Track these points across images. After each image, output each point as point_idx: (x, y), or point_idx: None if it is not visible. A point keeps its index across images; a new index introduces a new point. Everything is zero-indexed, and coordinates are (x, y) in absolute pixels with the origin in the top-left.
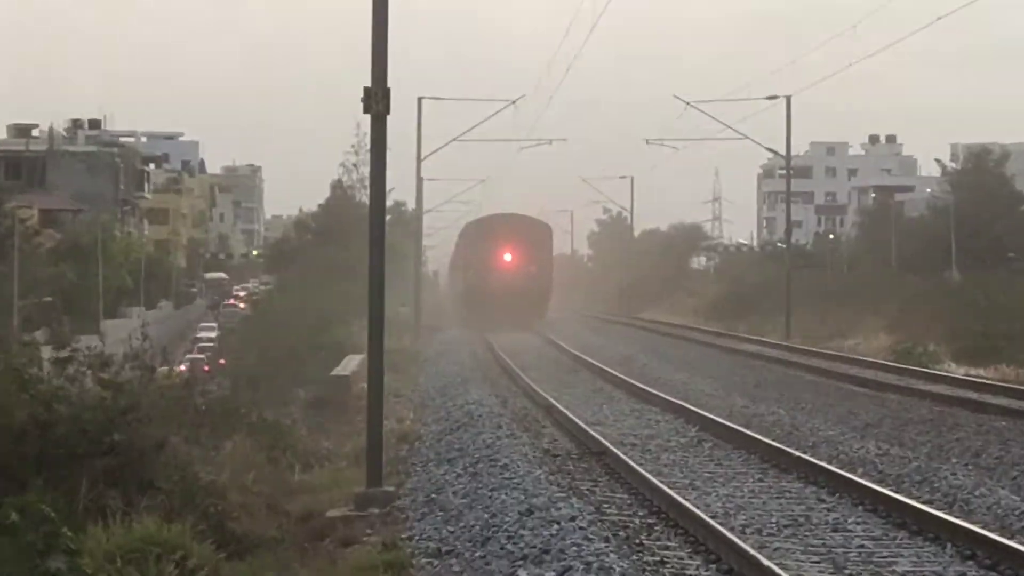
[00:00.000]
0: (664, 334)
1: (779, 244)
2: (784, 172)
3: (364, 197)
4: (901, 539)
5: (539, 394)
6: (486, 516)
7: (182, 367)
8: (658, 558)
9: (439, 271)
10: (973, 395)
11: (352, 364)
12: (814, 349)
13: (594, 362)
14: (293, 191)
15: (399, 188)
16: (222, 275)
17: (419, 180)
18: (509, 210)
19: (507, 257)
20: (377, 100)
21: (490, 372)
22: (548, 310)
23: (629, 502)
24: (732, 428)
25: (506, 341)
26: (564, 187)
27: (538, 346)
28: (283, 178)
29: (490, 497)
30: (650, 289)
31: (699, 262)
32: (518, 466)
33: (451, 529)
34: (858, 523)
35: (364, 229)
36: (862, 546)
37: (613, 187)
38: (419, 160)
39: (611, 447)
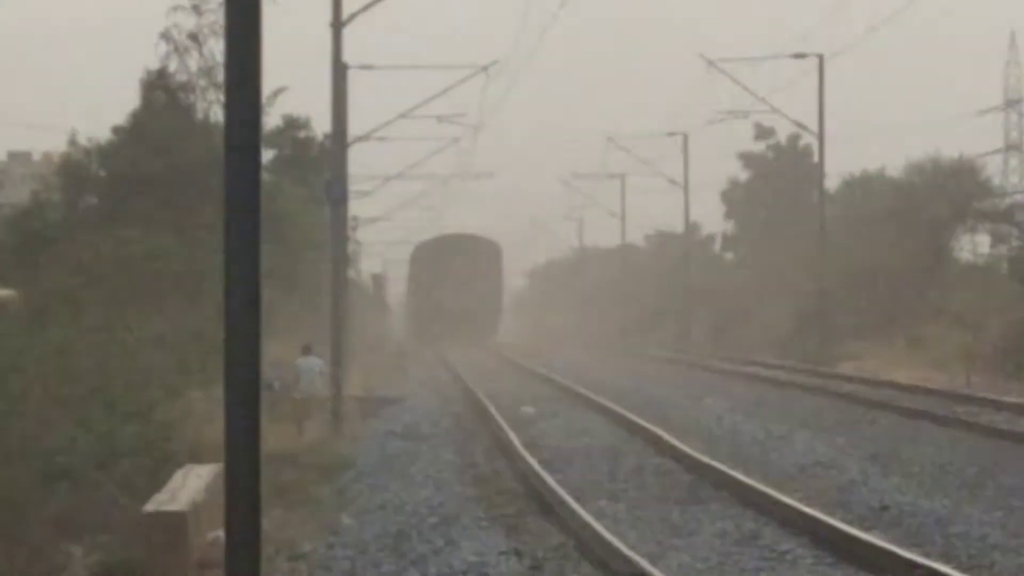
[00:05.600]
0: (894, 408)
1: None
2: None
3: (216, 109)
4: None
5: (614, 548)
6: None
7: None
8: None
9: (388, 276)
10: None
11: (192, 485)
12: None
13: (739, 476)
14: (58, 99)
15: (299, 91)
16: None
17: (337, 66)
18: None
19: (455, 277)
20: None
21: (503, 498)
22: (498, 329)
23: None
24: None
25: (544, 432)
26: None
27: (618, 443)
28: (31, 68)
29: None
30: (861, 308)
31: (973, 244)
32: None
33: None
34: None
35: (216, 181)
36: None
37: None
38: (337, 24)
39: None
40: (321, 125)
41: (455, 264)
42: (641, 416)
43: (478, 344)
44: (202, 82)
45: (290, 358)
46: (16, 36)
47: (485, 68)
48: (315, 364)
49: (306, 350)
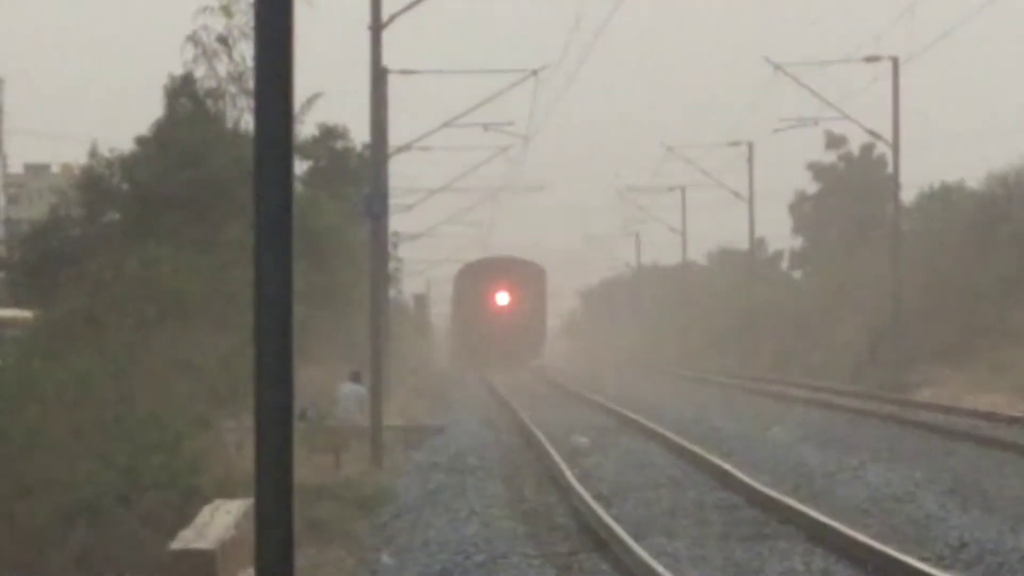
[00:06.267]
0: (974, 438)
1: None
2: None
3: (246, 117)
4: None
5: None
6: None
7: None
8: None
9: (431, 296)
10: None
11: (221, 521)
12: None
13: (808, 511)
14: (77, 108)
15: (336, 98)
16: None
17: (376, 71)
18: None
19: (500, 300)
20: None
21: (554, 534)
22: (542, 352)
23: None
24: None
25: (599, 463)
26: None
27: (678, 475)
28: (51, 77)
29: None
30: (940, 330)
31: None
32: None
33: None
34: None
35: (245, 195)
36: None
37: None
38: (376, 27)
39: None
40: (360, 134)
41: (499, 287)
42: (702, 447)
43: (522, 366)
44: (232, 88)
45: (327, 383)
46: (34, 42)
47: (535, 72)
48: (355, 391)
49: (354, 377)
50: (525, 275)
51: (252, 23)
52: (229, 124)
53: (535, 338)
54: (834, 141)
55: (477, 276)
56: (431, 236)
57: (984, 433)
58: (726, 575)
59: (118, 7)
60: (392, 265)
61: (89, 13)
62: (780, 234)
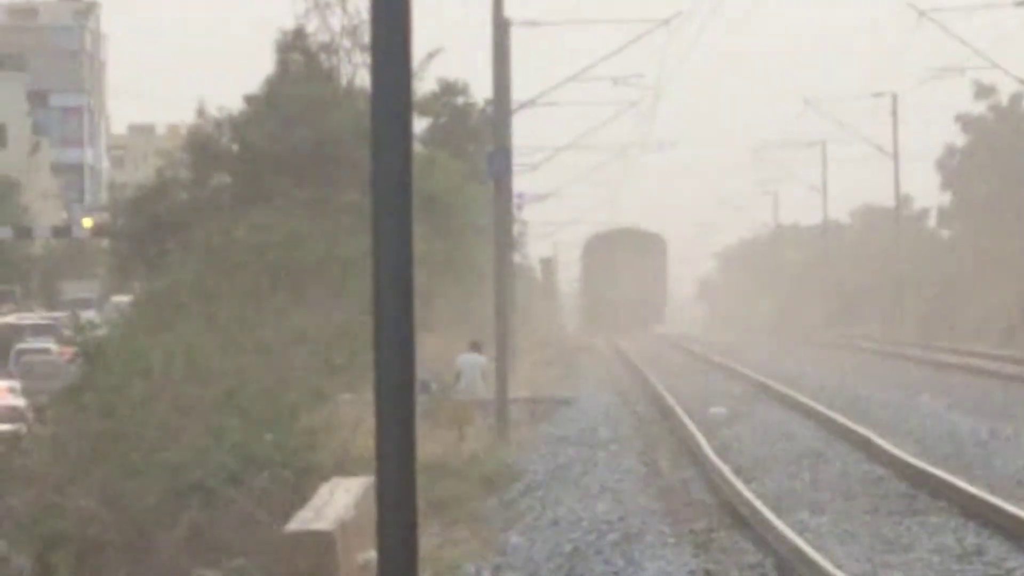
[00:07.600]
0: None
1: None
2: None
3: (361, 73)
4: None
5: (819, 566)
6: None
7: None
8: None
9: (558, 260)
10: None
11: (340, 501)
12: None
13: (960, 483)
14: (184, 66)
15: (456, 52)
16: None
17: (498, 23)
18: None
19: (623, 270)
20: None
21: (691, 511)
22: (664, 318)
23: None
24: None
25: (737, 435)
26: None
27: (821, 447)
28: (156, 35)
29: None
30: None
31: None
32: None
33: None
34: None
35: (361, 156)
36: None
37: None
38: None
39: None
40: (481, 90)
41: (622, 257)
42: (846, 416)
43: (644, 333)
44: (346, 43)
45: (449, 354)
46: None
47: (666, 22)
48: (478, 362)
49: (474, 347)
50: (647, 246)
51: None
52: (344, 81)
53: (656, 306)
54: (983, 91)
55: (602, 247)
56: (557, 197)
57: None
58: (874, 552)
59: None
60: (516, 228)
61: None
62: (928, 191)
